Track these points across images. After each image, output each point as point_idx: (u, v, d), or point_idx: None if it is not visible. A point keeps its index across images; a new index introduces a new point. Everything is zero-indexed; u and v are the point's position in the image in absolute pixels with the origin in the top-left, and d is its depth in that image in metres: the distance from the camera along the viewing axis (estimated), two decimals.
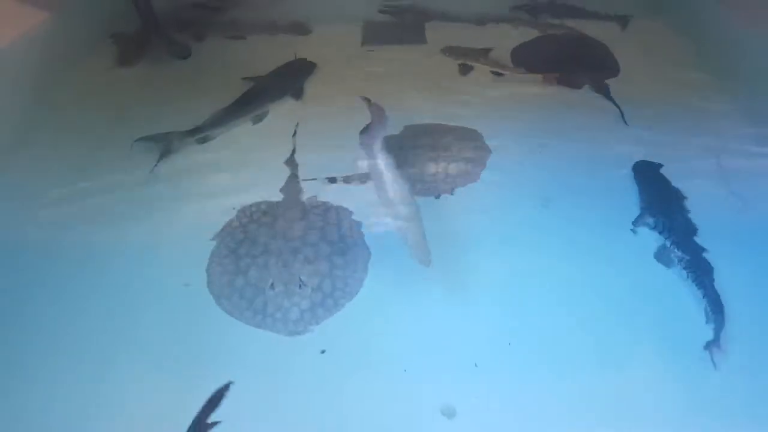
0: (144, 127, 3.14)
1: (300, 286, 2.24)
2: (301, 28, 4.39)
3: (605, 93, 3.55)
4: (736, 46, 3.73)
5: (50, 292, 2.33)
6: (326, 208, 2.68)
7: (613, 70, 3.83)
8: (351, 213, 2.66)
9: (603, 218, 2.67)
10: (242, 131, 3.26)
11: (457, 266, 2.42)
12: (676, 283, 2.36)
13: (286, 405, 1.94)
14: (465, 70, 3.81)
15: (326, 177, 2.88)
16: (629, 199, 2.76)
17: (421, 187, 2.82)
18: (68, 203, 2.75)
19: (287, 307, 2.20)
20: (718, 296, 2.24)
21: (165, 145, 3.01)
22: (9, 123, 3.19)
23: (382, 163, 2.55)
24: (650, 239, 2.56)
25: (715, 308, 2.22)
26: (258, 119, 3.33)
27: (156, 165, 2.92)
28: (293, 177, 2.88)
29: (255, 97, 3.44)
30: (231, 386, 1.96)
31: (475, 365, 2.05)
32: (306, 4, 4.69)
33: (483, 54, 3.95)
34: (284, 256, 2.36)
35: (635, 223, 2.65)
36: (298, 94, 3.58)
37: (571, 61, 3.91)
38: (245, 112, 3.33)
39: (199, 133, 3.12)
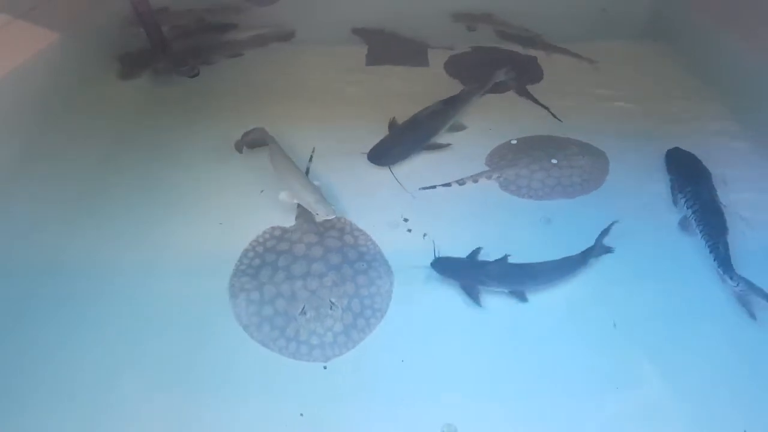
0: (147, 149, 3.30)
1: (331, 307, 2.27)
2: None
3: (528, 96, 3.81)
4: (742, 73, 3.79)
5: (51, 304, 2.39)
6: (341, 228, 2.70)
7: (538, 76, 4.10)
8: (363, 231, 2.70)
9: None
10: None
11: None
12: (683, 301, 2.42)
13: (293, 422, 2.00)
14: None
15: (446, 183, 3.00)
16: (633, 221, 2.81)
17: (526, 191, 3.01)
18: (70, 220, 2.81)
19: (321, 332, 2.22)
20: (728, 258, 2.39)
21: None
22: (14, 143, 3.26)
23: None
24: (654, 252, 2.64)
25: (725, 267, 2.36)
26: None
27: None
28: None
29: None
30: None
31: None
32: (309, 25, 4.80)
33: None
34: (310, 280, 2.38)
35: (674, 199, 2.88)
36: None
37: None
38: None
39: None
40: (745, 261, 2.51)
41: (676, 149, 3.17)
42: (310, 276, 2.40)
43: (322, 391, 2.08)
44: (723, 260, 2.43)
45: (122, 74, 4.05)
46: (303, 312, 2.26)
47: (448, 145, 3.27)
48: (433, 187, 2.98)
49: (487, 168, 3.16)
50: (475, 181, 3.05)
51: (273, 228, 2.69)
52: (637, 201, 2.94)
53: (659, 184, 3.04)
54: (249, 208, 2.88)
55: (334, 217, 2.55)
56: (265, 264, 2.49)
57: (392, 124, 3.41)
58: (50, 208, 2.88)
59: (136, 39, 4.34)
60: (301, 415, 2.03)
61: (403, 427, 1.99)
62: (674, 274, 2.54)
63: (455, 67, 4.25)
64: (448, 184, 3.00)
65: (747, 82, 3.73)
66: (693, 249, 2.65)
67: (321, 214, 2.55)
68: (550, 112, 3.67)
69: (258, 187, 3.00)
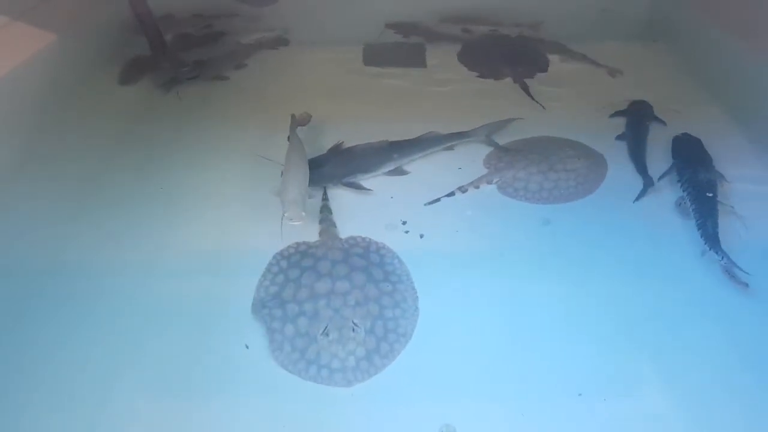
0: (147, 149, 3.29)
1: (353, 329, 2.18)
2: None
3: (524, 87, 3.89)
4: (742, 73, 3.78)
5: (51, 304, 2.38)
6: (366, 246, 2.61)
7: (542, 66, 4.22)
8: (390, 250, 2.61)
9: (604, 234, 2.73)
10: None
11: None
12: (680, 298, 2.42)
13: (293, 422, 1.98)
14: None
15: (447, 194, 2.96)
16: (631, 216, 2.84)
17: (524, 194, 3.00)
18: (70, 220, 2.80)
19: (343, 356, 2.13)
20: (716, 234, 2.52)
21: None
22: (14, 143, 3.26)
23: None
24: (654, 252, 2.63)
25: (711, 242, 2.50)
26: None
27: None
28: (327, 214, 2.81)
29: None
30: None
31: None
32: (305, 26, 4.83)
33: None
34: (333, 299, 2.30)
35: (661, 177, 3.01)
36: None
37: (502, 57, 4.29)
38: None
39: None
40: (742, 261, 2.50)
41: (685, 134, 3.25)
42: (334, 294, 2.32)
43: (322, 392, 2.07)
44: (709, 236, 2.54)
45: (122, 79, 4.04)
46: (325, 333, 2.18)
47: (369, 190, 3.00)
48: (438, 200, 2.95)
49: (485, 170, 3.16)
50: (477, 187, 3.03)
51: (298, 244, 2.61)
52: (636, 201, 2.95)
53: (659, 185, 3.04)
54: (250, 207, 2.89)
55: (299, 223, 2.47)
56: (288, 281, 2.42)
57: (333, 148, 3.21)
58: (50, 208, 2.88)
59: (136, 41, 4.34)
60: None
61: (402, 427, 1.99)
62: (674, 274, 2.54)
63: (466, 57, 4.35)
64: (452, 194, 2.97)
65: (747, 82, 3.72)
66: (693, 249, 2.64)
67: (287, 215, 2.47)
68: (534, 99, 3.72)
69: (258, 186, 2.99)
